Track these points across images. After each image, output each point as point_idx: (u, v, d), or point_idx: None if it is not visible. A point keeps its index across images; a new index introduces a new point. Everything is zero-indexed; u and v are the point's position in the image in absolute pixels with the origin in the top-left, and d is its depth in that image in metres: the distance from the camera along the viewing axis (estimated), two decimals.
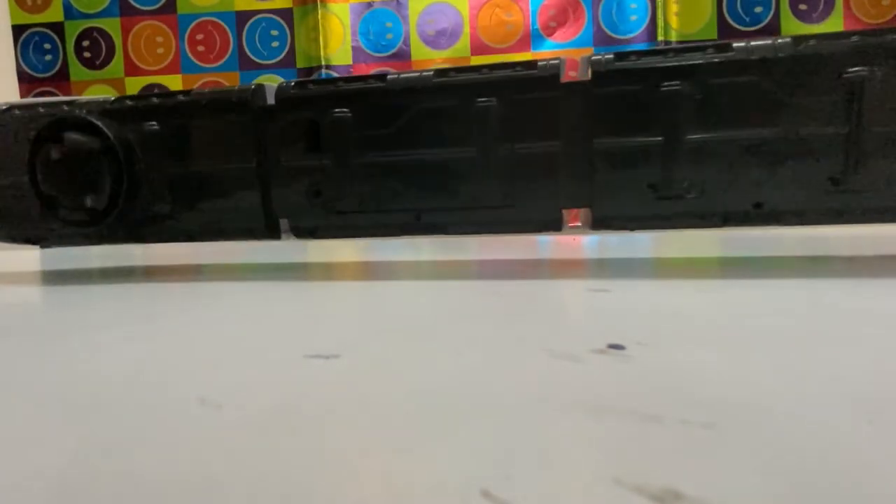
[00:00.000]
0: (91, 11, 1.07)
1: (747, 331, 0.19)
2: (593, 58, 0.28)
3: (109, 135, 0.31)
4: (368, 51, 1.00)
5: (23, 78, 1.06)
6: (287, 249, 0.53)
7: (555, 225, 0.30)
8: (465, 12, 1.01)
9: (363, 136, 0.30)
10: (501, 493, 0.09)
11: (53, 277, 0.44)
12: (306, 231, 0.32)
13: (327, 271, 0.43)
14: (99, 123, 0.31)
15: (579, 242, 0.56)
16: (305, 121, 0.31)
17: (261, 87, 0.32)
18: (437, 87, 0.29)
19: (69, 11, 1.07)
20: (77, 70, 1.06)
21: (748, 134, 0.26)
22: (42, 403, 0.14)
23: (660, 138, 0.27)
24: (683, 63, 0.26)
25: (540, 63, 0.28)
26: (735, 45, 0.26)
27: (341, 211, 0.31)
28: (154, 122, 0.32)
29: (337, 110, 0.30)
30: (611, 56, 0.27)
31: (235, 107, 0.31)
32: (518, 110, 0.28)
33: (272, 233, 0.33)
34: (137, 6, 1.06)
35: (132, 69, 1.06)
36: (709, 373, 0.14)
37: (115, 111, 0.32)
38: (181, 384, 0.15)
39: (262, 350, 0.18)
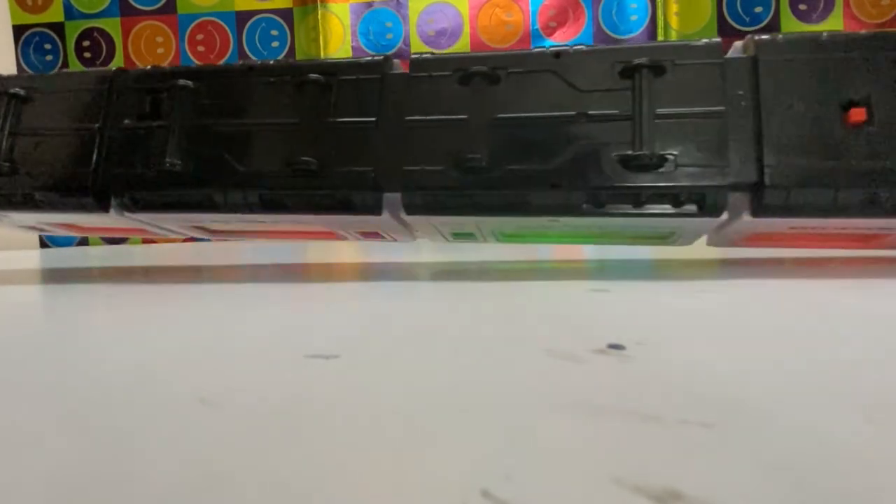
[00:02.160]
0: (91, 11, 1.07)
1: (747, 331, 0.19)
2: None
3: None
4: (368, 50, 1.00)
5: None
6: (287, 250, 0.53)
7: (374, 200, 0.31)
8: (465, 12, 1.01)
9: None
10: (501, 493, 0.09)
11: (53, 277, 0.44)
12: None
13: (327, 272, 0.43)
14: None
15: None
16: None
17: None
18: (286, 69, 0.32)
19: (69, 11, 1.07)
20: (78, 70, 1.06)
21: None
22: (42, 403, 0.14)
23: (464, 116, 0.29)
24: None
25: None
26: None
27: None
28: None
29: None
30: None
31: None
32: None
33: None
34: (137, 6, 1.06)
35: None
36: (709, 373, 0.14)
37: None
38: (181, 384, 0.15)
39: (262, 350, 0.18)
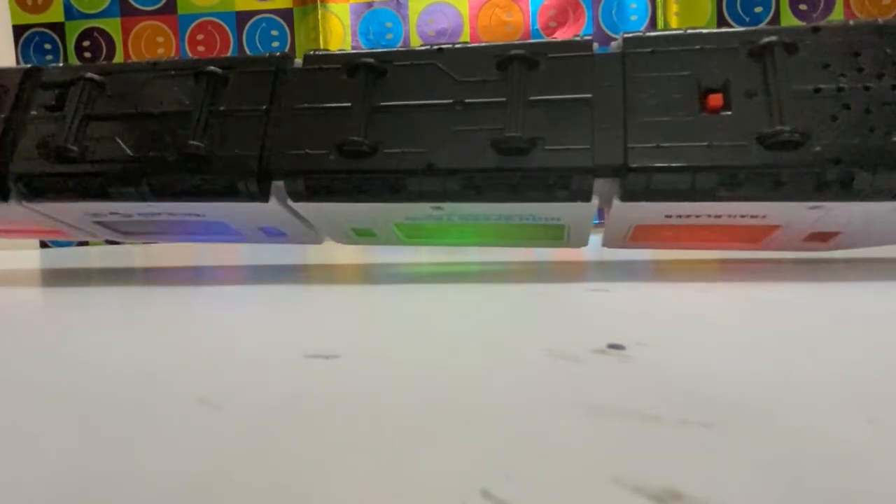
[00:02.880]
0: (91, 12, 1.07)
1: (747, 331, 0.19)
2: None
3: None
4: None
5: None
6: (287, 250, 0.53)
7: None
8: (465, 12, 1.01)
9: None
10: (501, 493, 0.09)
11: (53, 277, 0.44)
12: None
13: (326, 273, 0.43)
14: None
15: None
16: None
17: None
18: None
19: (70, 12, 1.07)
20: None
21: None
22: (41, 403, 0.14)
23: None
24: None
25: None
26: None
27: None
28: None
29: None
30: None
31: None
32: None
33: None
34: (138, 6, 1.06)
35: None
36: (709, 373, 0.14)
37: None
38: (181, 384, 0.15)
39: (262, 350, 0.18)
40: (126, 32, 1.06)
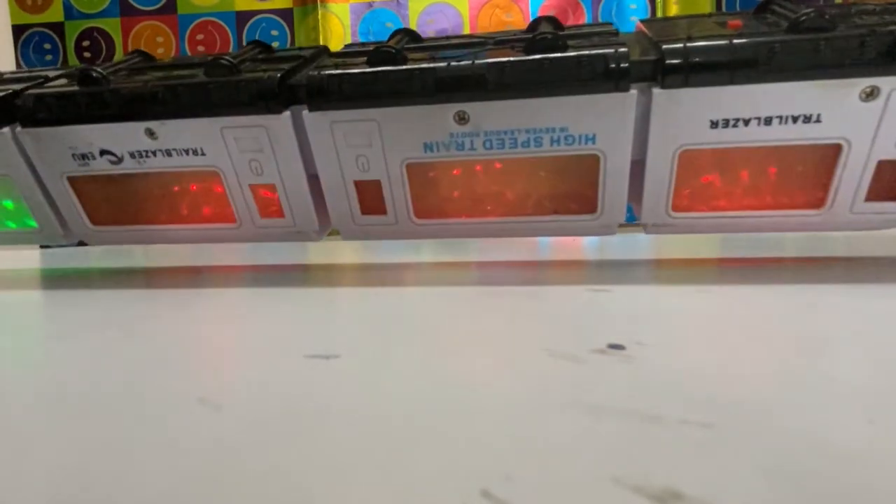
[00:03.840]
0: (91, 11, 1.07)
1: (747, 331, 0.19)
2: None
3: None
4: None
5: None
6: (287, 250, 0.53)
7: None
8: (465, 12, 1.01)
9: None
10: (501, 493, 0.09)
11: (53, 277, 0.44)
12: None
13: (326, 273, 0.43)
14: None
15: (579, 243, 0.56)
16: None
17: None
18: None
19: (69, 11, 1.07)
20: None
21: None
22: (42, 403, 0.14)
23: None
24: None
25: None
26: None
27: None
28: None
29: None
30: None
31: None
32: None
33: None
34: (137, 6, 1.06)
35: None
36: (709, 373, 0.14)
37: None
38: (181, 384, 0.15)
39: (262, 350, 0.18)
40: (126, 32, 1.06)
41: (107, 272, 0.46)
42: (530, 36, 0.28)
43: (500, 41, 0.30)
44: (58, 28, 1.07)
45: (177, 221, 0.34)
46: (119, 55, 1.07)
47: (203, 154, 0.31)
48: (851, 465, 0.09)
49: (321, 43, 1.01)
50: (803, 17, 0.25)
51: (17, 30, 1.08)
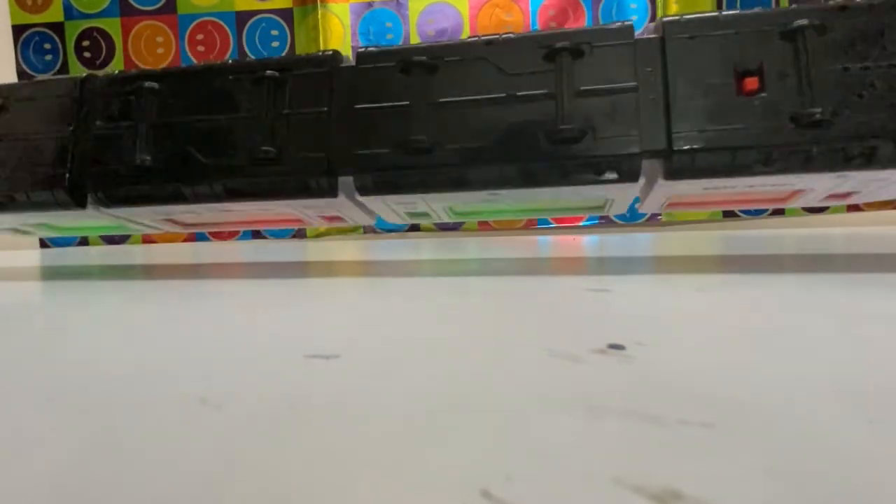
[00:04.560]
0: (91, 11, 1.07)
1: (747, 330, 0.19)
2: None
3: None
4: None
5: (23, 78, 1.06)
6: (287, 250, 0.53)
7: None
8: (465, 12, 1.01)
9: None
10: (501, 493, 0.09)
11: (54, 276, 0.44)
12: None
13: (326, 272, 0.43)
14: None
15: (579, 242, 0.56)
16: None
17: None
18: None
19: (69, 11, 1.07)
20: (77, 70, 1.06)
21: None
22: (42, 403, 0.14)
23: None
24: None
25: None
26: None
27: None
28: None
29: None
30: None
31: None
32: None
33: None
34: (137, 6, 1.06)
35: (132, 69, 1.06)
36: (709, 373, 0.14)
37: None
38: (181, 384, 0.15)
39: (262, 350, 0.18)
40: (126, 32, 1.06)
41: (106, 271, 0.46)
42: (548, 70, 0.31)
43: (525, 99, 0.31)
44: (58, 28, 1.07)
45: None
46: (119, 55, 1.07)
47: None
48: (851, 464, 0.09)
49: (321, 43, 1.01)
50: (806, 115, 0.28)
51: (17, 30, 1.08)
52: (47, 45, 1.08)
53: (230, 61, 0.36)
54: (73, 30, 1.07)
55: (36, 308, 0.31)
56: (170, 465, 0.10)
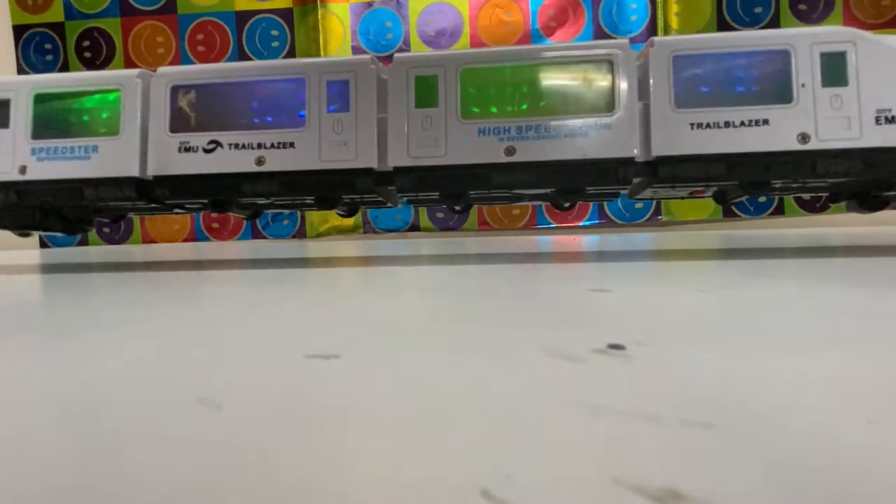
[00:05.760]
0: (91, 11, 1.07)
1: (748, 330, 0.19)
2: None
3: None
4: (368, 51, 1.00)
5: None
6: (286, 249, 0.53)
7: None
8: (465, 12, 1.01)
9: None
10: (501, 493, 0.09)
11: (53, 276, 0.44)
12: None
13: (326, 272, 0.43)
14: None
15: (579, 242, 0.56)
16: None
17: None
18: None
19: (70, 12, 1.07)
20: (78, 70, 1.06)
21: None
22: (41, 403, 0.14)
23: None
24: None
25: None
26: None
27: None
28: None
29: None
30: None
31: None
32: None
33: None
34: (138, 6, 1.06)
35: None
36: (709, 373, 0.14)
37: None
38: (181, 384, 0.15)
39: (262, 350, 0.18)
40: (126, 32, 1.06)
41: (105, 270, 0.46)
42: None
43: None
44: (58, 28, 1.07)
45: None
46: (119, 55, 1.07)
47: None
48: (852, 464, 0.09)
49: (321, 43, 1.01)
50: None
51: (18, 30, 1.08)
52: (48, 46, 1.08)
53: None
54: (74, 30, 1.07)
55: (35, 307, 0.31)
56: (169, 466, 0.10)
